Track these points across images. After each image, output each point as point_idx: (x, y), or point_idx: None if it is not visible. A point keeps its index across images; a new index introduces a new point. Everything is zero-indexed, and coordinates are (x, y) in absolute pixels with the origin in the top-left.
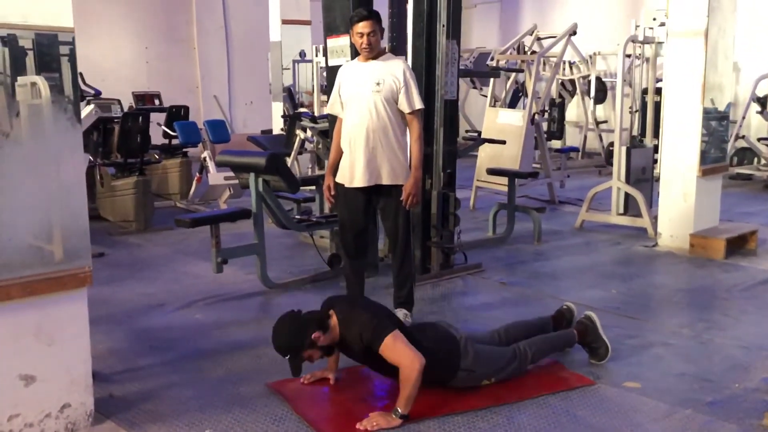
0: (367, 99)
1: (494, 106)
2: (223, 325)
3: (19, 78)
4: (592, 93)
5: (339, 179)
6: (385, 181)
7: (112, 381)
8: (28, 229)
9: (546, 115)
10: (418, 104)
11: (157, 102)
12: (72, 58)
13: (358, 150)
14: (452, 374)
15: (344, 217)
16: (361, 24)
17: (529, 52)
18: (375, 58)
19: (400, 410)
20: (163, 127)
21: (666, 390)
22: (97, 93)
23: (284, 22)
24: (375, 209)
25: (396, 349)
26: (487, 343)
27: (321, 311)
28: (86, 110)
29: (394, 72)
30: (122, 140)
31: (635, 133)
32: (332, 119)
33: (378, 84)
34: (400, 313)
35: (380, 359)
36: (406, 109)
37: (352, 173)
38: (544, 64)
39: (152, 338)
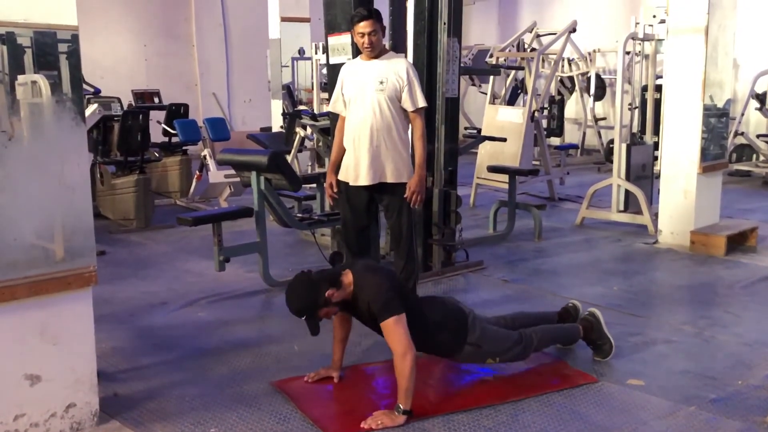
0: (370, 98)
1: (494, 103)
2: (226, 323)
3: (18, 77)
4: (592, 90)
5: (342, 177)
6: (389, 179)
7: (116, 380)
8: (32, 229)
9: (545, 113)
10: (422, 102)
11: (156, 100)
12: (73, 56)
13: (362, 148)
14: (459, 348)
15: (346, 215)
16: (362, 24)
17: (528, 50)
18: (377, 56)
19: (401, 406)
20: (163, 125)
21: (669, 387)
22: (97, 91)
23: (283, 19)
24: (377, 207)
25: (395, 333)
26: (493, 325)
27: (333, 269)
28: (90, 109)
29: (397, 70)
30: (122, 138)
31: (635, 130)
32: (334, 117)
33: (381, 83)
34: None
35: None
36: (409, 108)
37: (357, 172)
38: (544, 61)
39: (155, 337)
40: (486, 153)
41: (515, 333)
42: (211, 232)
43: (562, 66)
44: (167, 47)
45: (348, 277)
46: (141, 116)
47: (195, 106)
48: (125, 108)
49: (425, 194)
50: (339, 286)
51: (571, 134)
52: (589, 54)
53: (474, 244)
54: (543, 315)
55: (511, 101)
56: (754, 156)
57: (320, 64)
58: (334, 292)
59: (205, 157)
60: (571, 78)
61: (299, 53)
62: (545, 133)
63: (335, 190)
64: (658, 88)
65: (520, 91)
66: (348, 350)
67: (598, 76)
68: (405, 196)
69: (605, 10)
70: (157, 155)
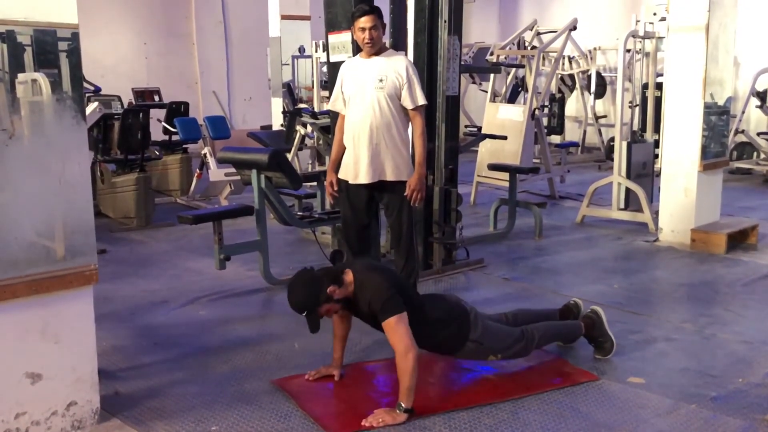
0: (370, 95)
1: (494, 101)
2: (226, 321)
3: (19, 75)
4: (592, 88)
5: (342, 176)
6: (389, 177)
7: (117, 378)
8: (33, 228)
9: (546, 110)
10: (421, 100)
11: (156, 98)
12: (73, 54)
13: (361, 146)
14: (461, 344)
15: (347, 214)
16: (363, 19)
17: (529, 48)
18: (377, 54)
19: (403, 404)
20: (164, 124)
21: (670, 385)
22: (97, 89)
23: (283, 17)
24: (378, 205)
25: (396, 332)
26: (495, 322)
27: (335, 266)
28: (90, 107)
29: (396, 68)
30: (122, 137)
31: (636, 128)
32: (334, 115)
33: (381, 80)
34: None
35: None
36: (409, 105)
37: (356, 170)
38: (544, 59)
39: (156, 335)
40: (486, 151)
41: (517, 330)
42: (212, 231)
43: (563, 64)
44: (167, 45)
45: (349, 276)
46: (141, 114)
47: (195, 104)
48: (125, 106)
49: (425, 192)
50: (341, 283)
51: (572, 132)
52: (590, 52)
53: (474, 243)
54: (544, 312)
55: (512, 99)
56: (755, 154)
57: (320, 62)
58: (335, 289)
59: (205, 155)
60: (571, 76)
61: (299, 51)
62: (546, 131)
63: (335, 188)
64: (659, 86)
65: (520, 89)
66: (348, 348)
67: (598, 74)
68: (405, 194)
69: (606, 8)
70: (157, 153)
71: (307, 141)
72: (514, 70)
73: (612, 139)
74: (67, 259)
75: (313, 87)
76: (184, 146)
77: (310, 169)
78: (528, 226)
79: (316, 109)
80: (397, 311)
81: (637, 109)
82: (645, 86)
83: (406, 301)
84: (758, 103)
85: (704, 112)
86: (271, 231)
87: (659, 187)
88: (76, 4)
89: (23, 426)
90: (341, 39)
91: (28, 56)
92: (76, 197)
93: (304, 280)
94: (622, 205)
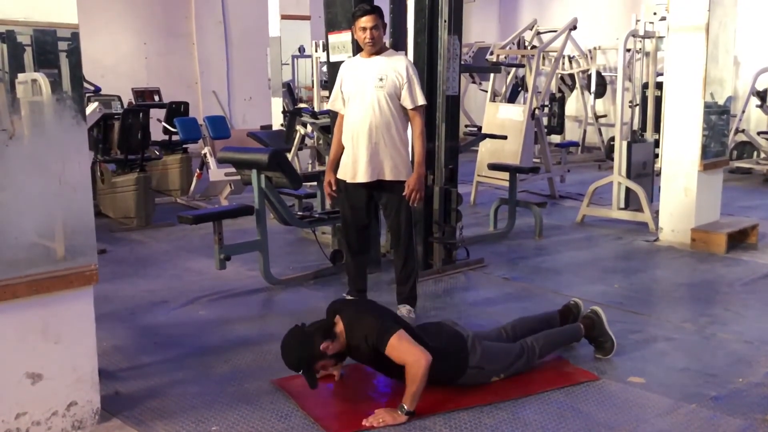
0: (369, 95)
1: (494, 101)
2: (226, 321)
3: (19, 75)
4: (592, 87)
5: (341, 175)
6: (388, 176)
7: (117, 378)
8: (33, 228)
9: (546, 110)
10: (421, 100)
11: (156, 98)
12: (73, 54)
13: (360, 146)
14: (461, 372)
15: (346, 214)
16: (364, 18)
17: (529, 47)
18: (377, 53)
19: (406, 407)
20: (164, 123)
21: (670, 385)
22: (97, 89)
23: (283, 17)
24: (377, 205)
25: (401, 348)
26: (494, 340)
27: (326, 319)
28: (90, 107)
29: (396, 68)
30: (122, 137)
31: (636, 127)
32: (333, 115)
33: (381, 80)
34: (404, 309)
35: (388, 361)
36: (408, 105)
37: (355, 169)
38: (544, 58)
39: (156, 335)
40: (486, 151)
41: (516, 346)
42: (212, 231)
43: (563, 63)
44: (167, 45)
45: (339, 326)
46: (141, 114)
47: (195, 104)
48: (125, 106)
49: (425, 192)
50: (333, 337)
51: (572, 132)
52: (590, 51)
53: (475, 242)
54: (545, 317)
55: (512, 99)
56: (755, 153)
57: (320, 62)
58: (329, 345)
59: (205, 155)
60: (571, 75)
61: (299, 51)
62: (546, 130)
63: (333, 188)
64: (659, 86)
65: (520, 88)
66: None
67: (598, 73)
68: (404, 194)
69: (606, 8)
70: (157, 153)
71: (307, 141)
72: (514, 69)
73: (612, 139)
74: (67, 259)
75: (313, 87)
76: (184, 146)
77: (310, 169)
78: (528, 225)
79: (316, 109)
80: (393, 331)
81: (637, 109)
82: (645, 86)
83: (400, 325)
84: (758, 102)
85: (704, 111)
86: (271, 231)
87: (659, 187)
88: (76, 4)
89: (24, 426)
90: (341, 39)
91: (28, 56)
92: (76, 197)
93: (296, 340)
94: (622, 205)
